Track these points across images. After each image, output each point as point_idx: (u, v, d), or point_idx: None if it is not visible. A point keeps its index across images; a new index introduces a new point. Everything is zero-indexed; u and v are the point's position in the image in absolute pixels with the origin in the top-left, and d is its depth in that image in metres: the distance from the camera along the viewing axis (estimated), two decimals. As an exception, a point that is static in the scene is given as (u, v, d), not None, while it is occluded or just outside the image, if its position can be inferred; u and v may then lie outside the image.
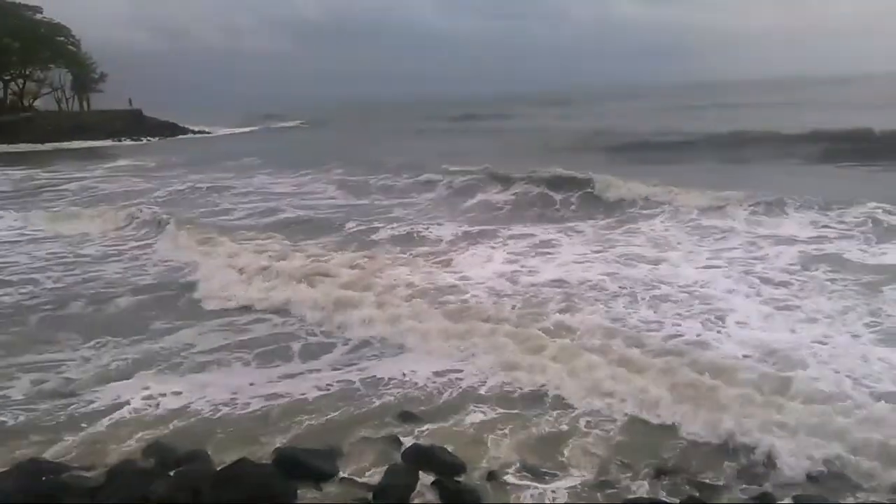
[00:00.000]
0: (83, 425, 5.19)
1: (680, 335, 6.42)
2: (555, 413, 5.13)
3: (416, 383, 5.79)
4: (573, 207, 13.15)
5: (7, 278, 9.94)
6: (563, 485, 4.24)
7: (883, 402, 4.70)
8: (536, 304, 7.52)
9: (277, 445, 4.74)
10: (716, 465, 4.35)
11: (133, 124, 58.32)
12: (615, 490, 4.17)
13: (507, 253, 9.98)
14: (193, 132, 62.96)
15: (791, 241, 9.54)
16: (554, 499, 4.12)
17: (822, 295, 7.30)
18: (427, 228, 12.23)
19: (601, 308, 7.26)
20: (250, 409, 5.42)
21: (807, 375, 5.22)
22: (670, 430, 4.80)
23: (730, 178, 16.32)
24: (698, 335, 6.39)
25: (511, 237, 11.09)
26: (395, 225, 12.71)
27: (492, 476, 4.33)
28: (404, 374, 5.94)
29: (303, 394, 5.68)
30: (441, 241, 11.11)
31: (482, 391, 5.57)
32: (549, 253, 9.89)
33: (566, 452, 4.60)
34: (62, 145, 49.13)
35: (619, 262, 9.09)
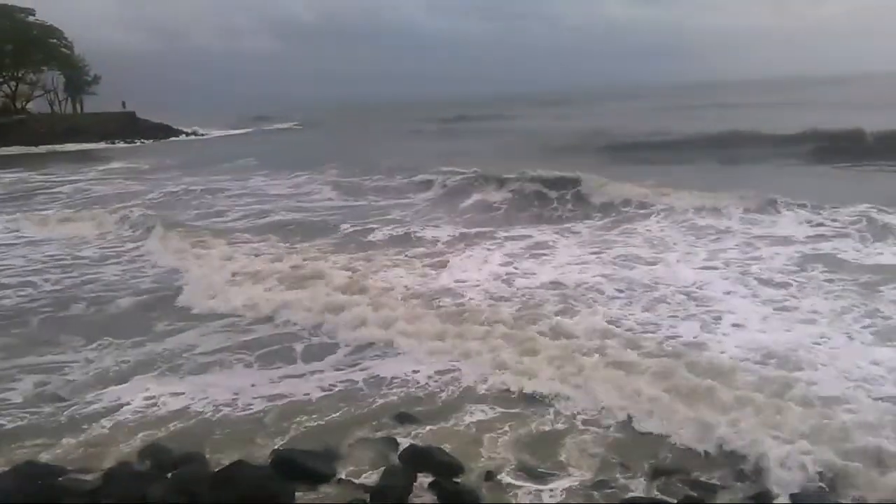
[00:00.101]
0: (84, 427, 5.18)
1: (677, 336, 6.41)
2: (552, 413, 5.13)
3: (412, 385, 5.78)
4: (569, 208, 13.15)
5: (5, 281, 9.91)
6: (560, 485, 4.24)
7: (881, 402, 4.70)
8: (533, 306, 7.49)
9: (276, 447, 4.73)
10: (712, 467, 4.35)
11: (127, 127, 58.19)
12: (612, 490, 4.17)
13: (503, 255, 9.96)
14: (187, 134, 62.84)
15: (787, 241, 9.54)
16: (551, 499, 4.11)
17: (819, 296, 7.29)
18: (422, 230, 12.25)
19: (598, 310, 7.22)
20: (250, 411, 5.42)
21: (805, 378, 5.19)
22: (667, 433, 4.76)
23: (726, 179, 16.40)
24: (695, 337, 6.38)
25: (507, 238, 11.08)
26: (390, 226, 12.72)
27: (489, 476, 4.33)
28: (400, 376, 5.93)
29: (303, 395, 5.69)
30: (436, 242, 11.11)
31: (479, 392, 5.56)
32: (544, 254, 9.89)
33: (563, 452, 4.61)
34: (55, 148, 48.99)
35: (616, 264, 9.07)
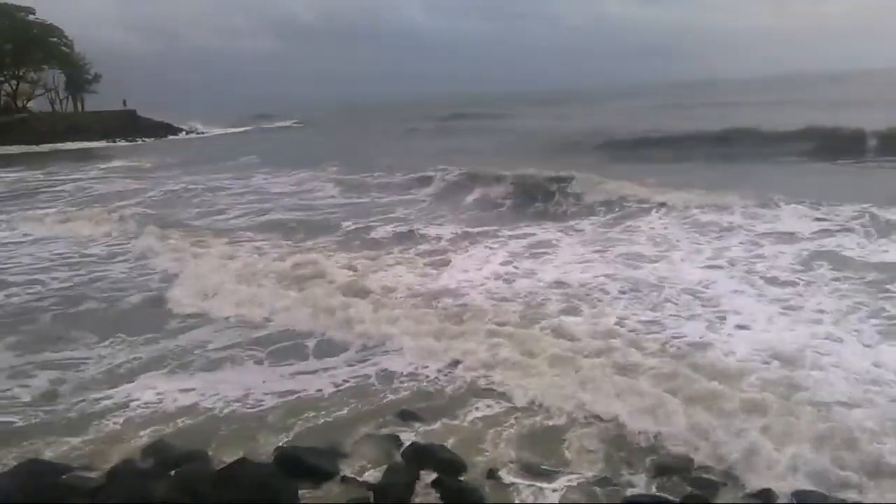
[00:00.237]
0: (94, 424, 5.20)
1: (682, 337, 6.29)
2: (554, 411, 5.11)
3: (414, 383, 5.78)
4: (571, 206, 13.04)
5: (14, 279, 9.94)
6: (563, 482, 4.23)
7: (892, 404, 4.60)
8: (536, 305, 7.44)
9: (280, 444, 4.74)
10: (715, 467, 4.31)
11: (128, 125, 58.27)
12: (615, 487, 4.17)
13: (505, 253, 9.93)
14: (188, 132, 62.90)
15: (791, 239, 9.44)
16: (554, 496, 4.11)
17: (825, 295, 7.17)
18: (425, 227, 12.24)
19: (601, 310, 7.14)
20: (258, 408, 5.44)
21: (812, 379, 5.11)
22: (670, 433, 4.70)
23: (727, 176, 16.36)
24: (700, 337, 6.26)
25: (509, 237, 11.05)
26: (393, 224, 12.73)
27: (491, 474, 4.33)
28: (403, 375, 5.93)
29: (307, 392, 5.69)
30: (439, 240, 11.07)
31: (481, 390, 5.55)
32: (547, 253, 9.83)
33: (566, 450, 4.60)
34: (56, 146, 49.08)
35: (619, 263, 8.99)
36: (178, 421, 5.24)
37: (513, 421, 5.01)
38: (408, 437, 4.84)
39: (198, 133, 63.28)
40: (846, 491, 3.87)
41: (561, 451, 4.59)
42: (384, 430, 4.94)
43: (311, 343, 6.85)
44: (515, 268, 9.09)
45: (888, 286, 7.32)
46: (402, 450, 4.61)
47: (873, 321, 6.36)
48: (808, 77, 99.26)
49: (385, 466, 4.38)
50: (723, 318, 6.70)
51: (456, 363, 6.01)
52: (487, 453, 4.60)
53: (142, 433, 5.02)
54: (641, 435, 4.65)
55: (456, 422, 5.07)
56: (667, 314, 6.94)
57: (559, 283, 8.17)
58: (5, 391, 5.95)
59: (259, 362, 6.49)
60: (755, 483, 4.04)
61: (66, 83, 64.32)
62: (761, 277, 7.91)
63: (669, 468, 4.30)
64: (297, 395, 5.63)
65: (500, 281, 8.48)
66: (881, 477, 3.93)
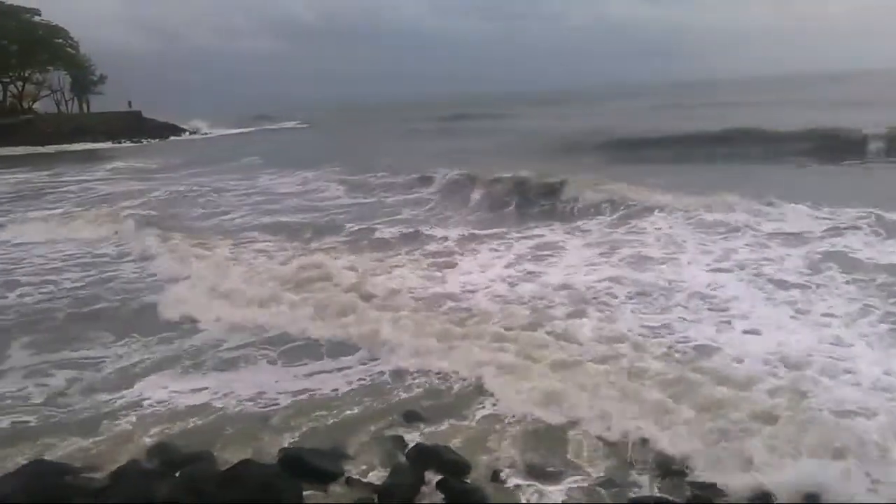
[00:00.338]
0: (105, 423, 5.24)
1: (689, 341, 6.17)
2: (558, 413, 5.09)
3: (419, 384, 5.77)
4: (576, 208, 12.85)
5: (27, 279, 10.01)
6: (567, 484, 4.23)
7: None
8: (541, 309, 7.34)
9: (286, 445, 4.76)
10: (720, 469, 4.24)
11: (132, 126, 58.48)
12: (619, 489, 4.17)
13: (511, 255, 9.87)
14: (192, 133, 63.07)
15: (798, 241, 9.27)
16: (558, 498, 4.11)
17: (835, 297, 7.03)
18: (430, 229, 12.22)
19: (607, 314, 7.04)
20: (265, 409, 5.47)
21: (822, 385, 5.01)
22: (674, 437, 4.61)
23: (731, 177, 16.31)
24: (708, 341, 6.12)
25: (514, 238, 11.00)
26: (398, 226, 12.72)
27: (496, 475, 4.33)
28: (408, 376, 5.92)
29: (312, 393, 5.72)
30: (444, 241, 11.02)
31: (485, 391, 5.54)
32: (553, 255, 9.73)
33: (570, 451, 4.59)
34: (62, 147, 49.28)
35: (625, 265, 8.87)
36: (189, 421, 5.27)
37: (517, 422, 4.99)
38: (412, 438, 4.84)
39: (201, 134, 63.45)
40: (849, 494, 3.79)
41: (565, 453, 4.58)
42: (389, 432, 4.95)
43: (315, 345, 6.86)
44: (521, 270, 9.00)
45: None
46: (406, 451, 4.61)
47: (884, 325, 6.21)
48: (809, 77, 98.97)
49: (389, 467, 4.39)
50: (731, 323, 6.54)
51: (460, 365, 5.97)
52: (492, 454, 4.59)
53: (151, 433, 5.05)
54: (646, 440, 4.58)
55: (460, 423, 5.06)
56: (674, 318, 6.81)
57: (566, 287, 8.06)
58: (20, 390, 6.02)
59: (272, 362, 6.52)
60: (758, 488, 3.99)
61: (71, 84, 64.63)
62: (770, 280, 7.77)
63: (674, 470, 4.29)
64: (303, 397, 5.65)
65: (506, 284, 8.40)
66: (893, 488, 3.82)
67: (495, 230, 11.86)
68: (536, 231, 11.50)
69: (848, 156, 18.96)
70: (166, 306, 8.18)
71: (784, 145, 20.78)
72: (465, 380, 5.75)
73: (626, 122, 33.43)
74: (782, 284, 7.62)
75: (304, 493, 4.08)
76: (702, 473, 4.16)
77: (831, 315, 6.56)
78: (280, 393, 5.74)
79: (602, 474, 4.32)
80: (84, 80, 64.41)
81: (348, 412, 5.33)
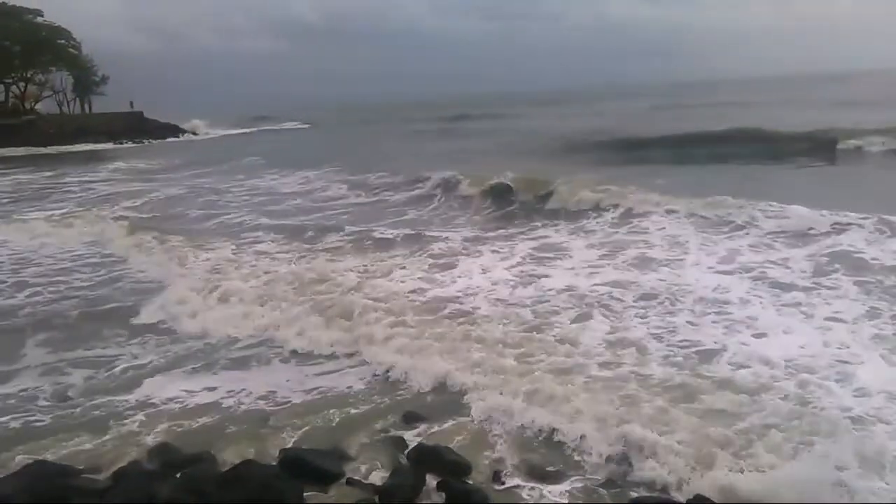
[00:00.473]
0: (114, 423, 5.28)
1: (694, 347, 6.07)
2: (559, 415, 5.04)
3: (421, 386, 5.76)
4: (579, 208, 12.68)
5: (35, 280, 10.06)
6: (569, 484, 4.23)
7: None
8: (545, 313, 7.22)
9: (286, 446, 4.77)
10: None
11: (134, 126, 58.52)
12: (621, 489, 4.17)
13: (514, 257, 9.80)
14: (194, 134, 63.11)
15: (803, 242, 9.17)
16: (560, 498, 4.11)
17: (842, 300, 6.92)
18: (433, 230, 12.23)
19: (611, 318, 6.93)
20: (271, 409, 5.50)
21: (832, 392, 4.94)
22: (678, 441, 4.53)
23: (732, 177, 16.33)
24: (714, 347, 6.02)
25: (518, 240, 10.95)
26: (401, 227, 12.72)
27: (496, 476, 4.33)
28: (411, 377, 5.90)
29: (314, 394, 5.74)
30: (447, 243, 10.94)
31: (487, 393, 5.50)
32: (557, 258, 9.62)
33: (571, 453, 4.58)
34: (65, 148, 49.30)
35: (630, 268, 8.75)
36: (195, 420, 5.30)
37: (517, 424, 4.97)
38: (412, 438, 4.85)
39: (203, 134, 63.48)
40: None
41: (566, 454, 4.57)
42: (389, 432, 4.96)
43: (316, 346, 6.86)
44: (524, 272, 8.91)
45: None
46: (406, 451, 4.61)
47: (891, 328, 6.12)
48: (809, 77, 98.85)
49: (390, 468, 4.39)
50: (737, 328, 6.45)
51: (462, 367, 5.92)
52: (492, 455, 4.59)
53: (157, 433, 5.07)
54: (646, 444, 4.49)
55: (461, 424, 5.06)
56: (679, 322, 6.71)
57: (569, 289, 7.97)
58: (29, 390, 6.07)
59: (268, 362, 6.58)
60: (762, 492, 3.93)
61: (73, 85, 64.67)
62: (775, 283, 7.68)
63: (674, 472, 4.27)
64: (306, 398, 5.68)
65: (509, 286, 8.31)
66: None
67: (497, 231, 11.86)
68: (539, 232, 11.48)
69: (847, 155, 18.96)
70: (178, 305, 8.22)
71: (784, 145, 20.77)
72: (465, 382, 5.69)
73: (627, 123, 33.46)
74: (788, 287, 7.54)
75: (305, 493, 4.08)
76: (703, 477, 4.11)
77: (839, 318, 6.47)
78: (283, 394, 5.76)
79: (603, 475, 4.31)
80: (86, 80, 64.44)
81: (349, 413, 5.33)
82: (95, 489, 4.08)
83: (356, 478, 4.34)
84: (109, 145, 52.05)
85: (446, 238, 11.31)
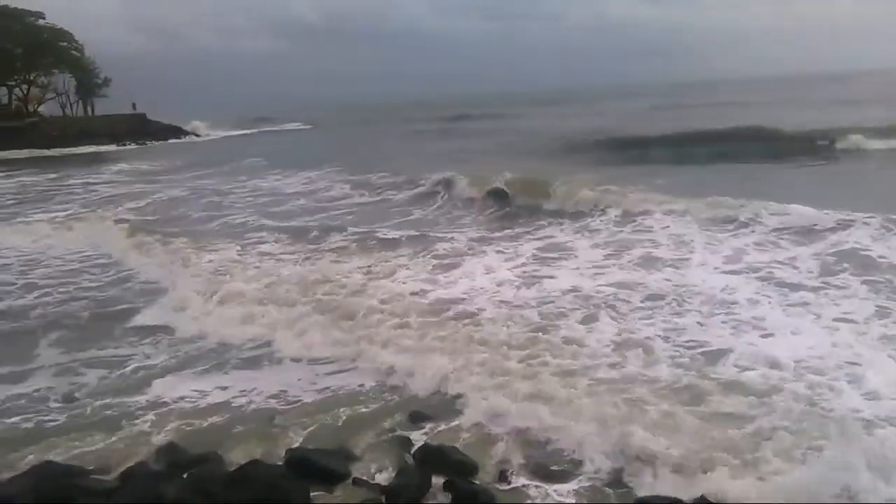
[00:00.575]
0: (123, 423, 5.32)
1: (701, 348, 6.00)
2: (564, 417, 5.02)
3: (426, 386, 5.73)
4: (583, 208, 12.58)
5: (45, 282, 10.09)
6: (575, 484, 4.23)
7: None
8: (550, 314, 7.15)
9: (292, 445, 4.78)
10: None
11: (137, 128, 58.62)
12: (627, 489, 4.16)
13: (518, 257, 9.76)
14: (196, 136, 63.19)
15: (809, 241, 9.09)
16: (566, 498, 4.11)
17: (850, 300, 6.85)
18: (436, 230, 12.23)
19: (616, 319, 6.86)
20: (269, 409, 5.52)
21: (844, 394, 4.87)
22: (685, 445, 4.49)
23: (735, 176, 16.32)
24: (721, 348, 5.96)
25: (521, 240, 10.92)
26: (404, 228, 12.73)
27: (503, 475, 4.33)
28: (416, 377, 5.86)
29: (320, 393, 5.76)
30: (451, 244, 10.92)
31: (492, 393, 5.50)
32: (561, 258, 9.56)
33: (576, 451, 4.56)
34: (68, 150, 49.38)
35: (635, 268, 8.68)
36: (203, 421, 5.33)
37: (524, 425, 4.93)
38: (418, 438, 4.85)
39: (205, 136, 63.56)
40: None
41: (572, 454, 4.55)
42: (396, 432, 4.96)
43: (319, 347, 6.85)
44: (529, 273, 8.84)
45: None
46: (412, 451, 4.61)
47: None
48: (810, 77, 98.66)
49: (396, 468, 4.40)
50: (745, 328, 6.39)
51: (467, 368, 5.90)
52: (498, 455, 4.58)
53: (165, 433, 5.10)
54: (652, 447, 4.45)
55: (466, 424, 5.05)
56: (687, 324, 6.62)
57: (574, 290, 7.89)
58: (41, 390, 6.11)
59: (296, 360, 6.61)
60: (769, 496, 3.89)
61: (76, 87, 64.80)
62: (782, 283, 7.62)
63: (683, 468, 4.26)
64: (316, 396, 5.71)
65: (514, 287, 8.25)
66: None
67: (502, 232, 11.82)
68: (543, 232, 11.44)
69: (848, 155, 18.92)
70: (178, 309, 8.25)
71: (786, 144, 20.75)
72: (470, 382, 5.66)
73: (627, 122, 33.44)
74: (794, 286, 7.47)
75: (311, 493, 4.09)
76: (709, 480, 4.08)
77: (846, 319, 6.40)
78: (294, 393, 5.80)
79: (609, 474, 4.30)
80: (89, 82, 64.55)
81: (356, 413, 5.34)
82: (102, 490, 4.09)
83: (362, 477, 4.35)
84: (112, 147, 52.15)
85: (450, 238, 11.30)
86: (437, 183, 16.66)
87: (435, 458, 4.44)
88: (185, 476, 4.22)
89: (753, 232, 9.88)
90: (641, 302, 7.38)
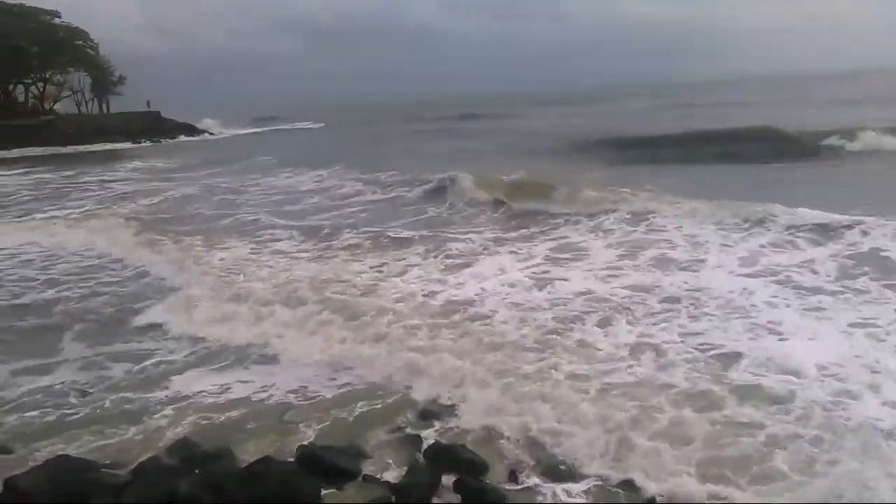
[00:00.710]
0: (143, 418, 5.39)
1: (717, 352, 5.88)
2: (574, 422, 4.98)
3: (434, 386, 5.71)
4: (594, 208, 12.35)
5: (66, 278, 10.21)
6: (586, 484, 4.21)
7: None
8: (563, 318, 7.03)
9: (303, 442, 4.81)
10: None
11: (151, 126, 59.11)
12: (638, 490, 4.13)
13: (531, 258, 9.66)
14: (210, 134, 63.62)
15: (827, 242, 8.93)
16: (576, 498, 4.10)
17: (872, 304, 6.70)
18: (449, 230, 12.19)
19: (630, 323, 6.76)
20: (281, 406, 5.58)
21: (863, 402, 4.76)
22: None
23: (747, 177, 16.19)
24: (738, 353, 5.82)
25: (534, 241, 10.85)
26: (416, 227, 12.72)
27: (513, 475, 4.33)
28: (424, 376, 5.86)
29: (328, 391, 5.79)
30: (463, 244, 10.88)
31: (501, 393, 5.48)
32: (575, 259, 9.46)
33: (587, 452, 4.54)
34: (83, 148, 49.89)
35: (650, 270, 8.55)
36: (221, 415, 5.40)
37: (534, 426, 4.90)
38: (429, 436, 4.86)
39: (218, 134, 63.98)
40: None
41: (582, 455, 4.52)
42: (406, 430, 4.98)
43: (331, 344, 6.88)
44: (542, 274, 8.75)
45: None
46: (423, 449, 4.62)
47: None
48: (823, 75, 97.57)
49: (406, 466, 4.41)
50: (761, 333, 6.24)
51: (478, 368, 5.86)
52: (509, 454, 4.58)
53: (185, 427, 5.17)
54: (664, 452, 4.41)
55: (477, 423, 5.03)
56: (702, 328, 6.48)
57: (589, 293, 7.78)
58: (65, 383, 6.20)
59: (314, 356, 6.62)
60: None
61: (91, 85, 65.41)
62: (799, 286, 7.46)
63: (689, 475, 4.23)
64: (325, 395, 5.72)
65: (526, 289, 8.16)
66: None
67: (516, 232, 11.70)
68: (557, 232, 11.29)
69: (861, 155, 18.67)
70: (192, 306, 8.28)
71: (798, 144, 20.52)
72: (482, 382, 5.63)
73: (638, 122, 33.22)
74: (812, 290, 7.30)
75: (322, 491, 4.10)
76: (719, 488, 4.04)
77: (865, 323, 6.26)
78: (313, 388, 5.85)
79: (619, 474, 4.27)
80: (104, 81, 65.17)
81: (365, 411, 5.36)
82: (115, 484, 4.13)
83: (372, 475, 4.36)
84: (127, 144, 52.65)
85: (462, 238, 11.28)
86: (448, 182, 16.58)
87: (445, 456, 4.44)
88: (196, 472, 4.25)
89: (768, 233, 9.71)
90: (658, 304, 7.25)
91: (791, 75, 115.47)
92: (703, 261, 8.84)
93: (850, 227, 9.28)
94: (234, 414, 5.44)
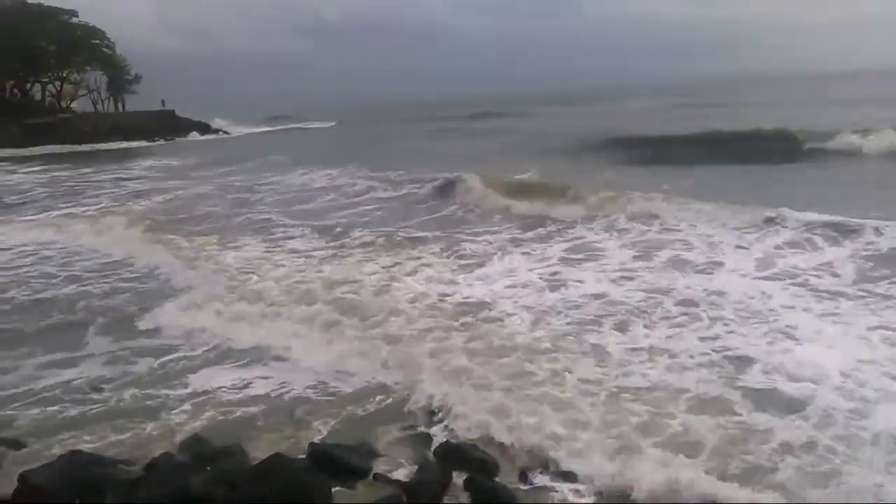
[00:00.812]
0: (161, 414, 5.42)
1: (730, 356, 5.80)
2: (582, 427, 4.93)
3: (444, 385, 5.67)
4: (608, 209, 12.26)
5: (87, 275, 10.29)
6: (595, 485, 4.18)
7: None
8: (577, 321, 6.97)
9: (320, 438, 4.84)
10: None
11: (166, 125, 59.61)
12: (643, 495, 4.09)
13: (544, 260, 9.60)
14: (225, 133, 64.05)
15: (845, 245, 8.79)
16: (587, 498, 4.07)
17: (892, 310, 6.56)
18: (462, 230, 12.16)
19: (644, 327, 6.68)
20: (292, 403, 5.59)
21: (881, 409, 4.68)
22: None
23: (762, 178, 16.02)
24: (751, 358, 5.72)
25: (548, 242, 10.78)
26: (429, 227, 12.71)
27: (524, 475, 4.31)
28: (437, 374, 5.82)
29: (336, 390, 5.79)
30: (476, 244, 10.86)
31: (512, 393, 5.47)
32: (588, 261, 9.37)
33: (598, 451, 4.51)
34: (100, 145, 50.41)
35: (665, 273, 8.45)
36: (237, 411, 5.44)
37: (546, 427, 4.84)
38: (439, 435, 4.85)
39: (232, 133, 64.41)
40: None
41: (591, 458, 4.46)
42: (417, 429, 4.97)
43: (346, 345, 6.84)
44: (555, 277, 8.66)
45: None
46: (433, 448, 4.62)
47: None
48: (836, 75, 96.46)
49: (417, 465, 4.40)
50: (779, 337, 6.15)
51: (490, 369, 5.84)
52: (520, 454, 4.55)
53: (201, 423, 5.20)
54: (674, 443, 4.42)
55: (488, 422, 4.98)
56: (717, 332, 6.40)
57: (603, 295, 7.71)
58: (86, 378, 6.24)
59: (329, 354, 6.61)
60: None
61: (107, 84, 66.05)
62: (816, 289, 7.35)
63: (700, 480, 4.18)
64: (334, 393, 5.73)
65: (538, 291, 8.10)
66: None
67: (528, 233, 11.60)
68: (570, 234, 11.18)
69: (877, 157, 18.41)
70: (208, 304, 8.31)
71: (809, 144, 20.27)
72: (492, 383, 5.59)
73: (653, 122, 32.94)
74: (829, 294, 7.18)
75: (333, 489, 4.10)
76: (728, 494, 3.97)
77: (885, 327, 6.14)
78: (332, 385, 5.89)
79: (628, 482, 4.20)
80: (120, 79, 65.79)
81: (376, 410, 5.37)
82: (128, 479, 4.15)
83: (383, 474, 4.36)
84: (143, 143, 53.13)
85: (475, 238, 11.26)
86: (459, 181, 16.58)
87: (456, 455, 4.44)
88: (208, 468, 4.26)
89: (784, 235, 9.61)
90: (673, 306, 7.15)
91: (807, 74, 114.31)
92: (719, 263, 8.74)
93: (869, 230, 9.13)
94: (248, 411, 5.45)
